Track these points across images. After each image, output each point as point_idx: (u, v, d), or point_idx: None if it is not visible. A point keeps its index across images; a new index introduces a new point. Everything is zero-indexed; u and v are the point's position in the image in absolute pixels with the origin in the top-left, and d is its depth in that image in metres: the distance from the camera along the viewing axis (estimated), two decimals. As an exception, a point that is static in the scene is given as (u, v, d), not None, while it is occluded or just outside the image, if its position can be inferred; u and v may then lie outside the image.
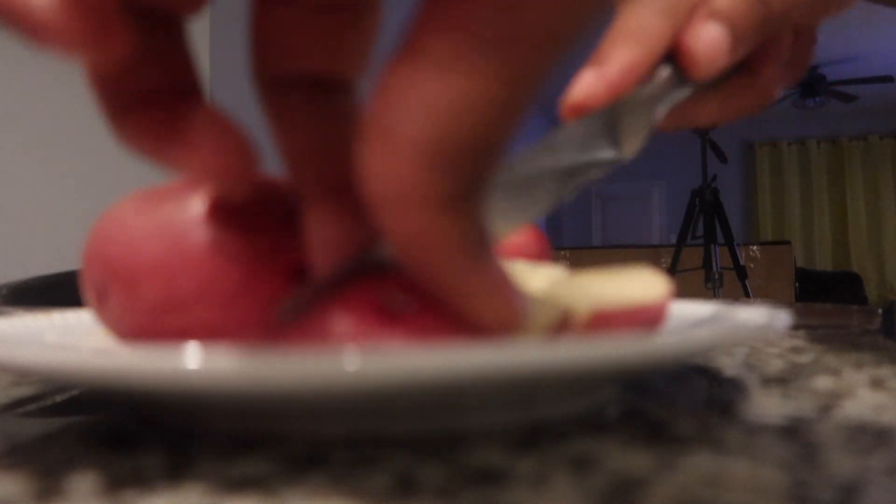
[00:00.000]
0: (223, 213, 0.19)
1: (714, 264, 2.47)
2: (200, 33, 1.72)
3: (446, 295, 0.15)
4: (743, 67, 0.27)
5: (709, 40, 0.24)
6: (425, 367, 0.13)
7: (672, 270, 2.52)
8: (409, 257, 0.14)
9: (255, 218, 0.19)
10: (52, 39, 0.13)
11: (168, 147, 0.17)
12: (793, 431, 0.18)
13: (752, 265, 3.03)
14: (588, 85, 0.23)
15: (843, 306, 0.64)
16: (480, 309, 0.15)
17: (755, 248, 3.18)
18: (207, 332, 0.18)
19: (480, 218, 0.14)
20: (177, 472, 0.15)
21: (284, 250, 0.19)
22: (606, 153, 0.23)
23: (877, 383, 0.25)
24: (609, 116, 0.22)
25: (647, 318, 0.21)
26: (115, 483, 0.14)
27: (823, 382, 0.25)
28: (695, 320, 0.25)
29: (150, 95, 0.16)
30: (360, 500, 0.13)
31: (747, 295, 2.43)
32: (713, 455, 0.15)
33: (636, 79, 0.23)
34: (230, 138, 0.17)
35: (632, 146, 0.23)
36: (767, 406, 0.21)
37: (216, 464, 0.15)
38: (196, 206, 0.19)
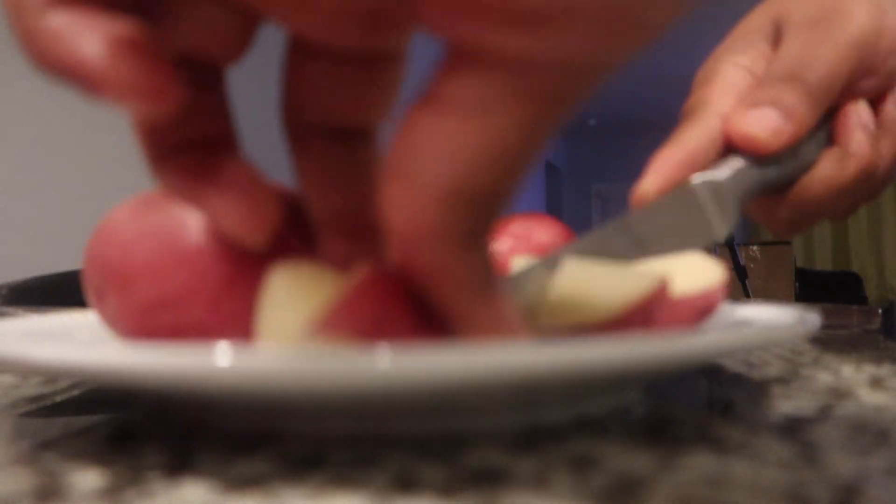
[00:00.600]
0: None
1: (714, 264, 2.46)
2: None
3: (458, 324, 0.16)
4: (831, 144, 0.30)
5: (757, 119, 0.27)
6: (458, 366, 0.13)
7: (672, 270, 2.52)
8: (427, 289, 0.15)
9: None
10: (106, 92, 0.14)
11: (200, 192, 0.17)
12: (793, 431, 0.18)
13: (752, 265, 3.03)
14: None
15: (843, 306, 0.64)
16: (486, 337, 0.16)
17: (755, 248, 3.18)
18: (198, 330, 0.19)
19: (489, 255, 0.15)
20: (177, 472, 0.15)
21: (269, 250, 0.19)
22: (697, 236, 0.26)
23: (877, 383, 0.25)
24: (693, 205, 0.26)
25: (704, 305, 0.22)
26: (115, 483, 0.14)
27: (823, 382, 0.25)
28: (724, 320, 0.26)
29: (190, 144, 0.17)
30: (360, 500, 0.13)
31: (747, 295, 2.43)
32: (713, 455, 0.15)
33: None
34: (257, 190, 0.18)
35: (722, 229, 0.26)
36: (767, 406, 0.21)
37: (216, 464, 0.15)
38: (184, 210, 0.20)
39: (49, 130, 1.71)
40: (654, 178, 0.27)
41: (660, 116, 3.66)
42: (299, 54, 0.18)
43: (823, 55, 0.28)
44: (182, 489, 0.13)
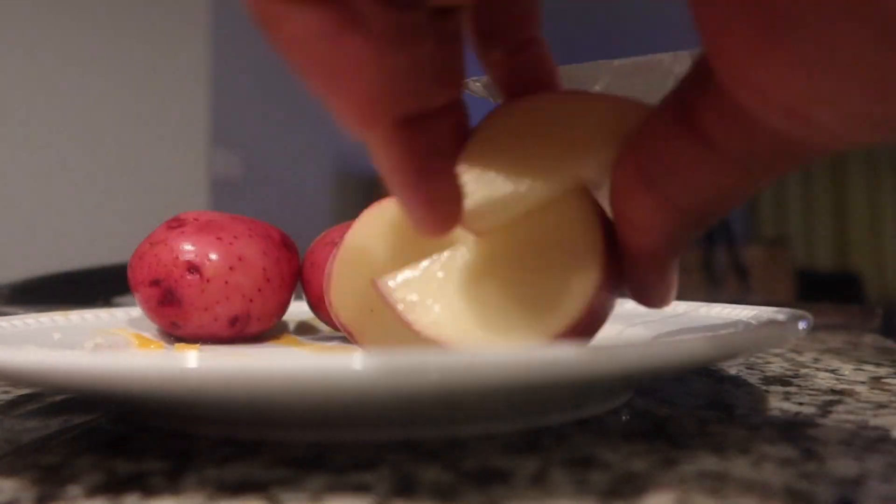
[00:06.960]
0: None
1: (714, 264, 2.46)
2: (201, 32, 1.72)
3: (649, 289, 0.19)
4: None
5: None
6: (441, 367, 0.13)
7: (672, 270, 2.52)
8: (639, 263, 0.18)
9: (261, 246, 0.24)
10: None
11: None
12: (793, 431, 0.18)
13: (752, 265, 3.03)
14: None
15: (843, 306, 0.64)
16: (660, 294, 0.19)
17: (755, 248, 3.18)
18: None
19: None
20: (177, 472, 0.15)
21: (288, 268, 0.26)
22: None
23: (877, 383, 0.25)
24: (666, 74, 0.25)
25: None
26: (115, 484, 0.14)
27: (823, 382, 0.25)
28: (727, 323, 0.25)
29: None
30: (360, 500, 0.13)
31: (747, 295, 2.43)
32: (713, 455, 0.15)
33: None
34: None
35: None
36: (767, 406, 0.21)
37: (216, 465, 0.15)
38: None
39: (50, 130, 1.71)
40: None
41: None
42: None
43: None
44: (182, 490, 0.13)
